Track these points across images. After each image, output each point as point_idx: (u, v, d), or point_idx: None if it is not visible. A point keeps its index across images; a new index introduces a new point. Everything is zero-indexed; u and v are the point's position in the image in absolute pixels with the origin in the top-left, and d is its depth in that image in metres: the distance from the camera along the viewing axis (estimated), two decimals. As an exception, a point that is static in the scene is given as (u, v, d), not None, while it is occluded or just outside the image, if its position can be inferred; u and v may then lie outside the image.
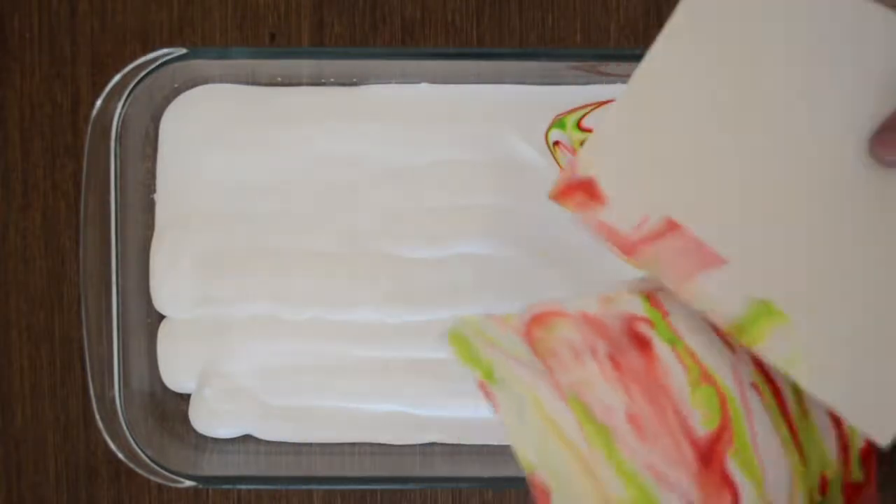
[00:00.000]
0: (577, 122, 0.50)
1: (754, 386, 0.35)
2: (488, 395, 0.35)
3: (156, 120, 0.51)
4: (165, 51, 0.47)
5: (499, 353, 0.35)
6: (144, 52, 0.47)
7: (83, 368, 0.49)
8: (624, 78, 0.47)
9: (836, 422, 0.35)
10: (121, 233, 0.48)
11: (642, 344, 0.35)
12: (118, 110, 0.48)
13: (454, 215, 0.51)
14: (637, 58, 0.39)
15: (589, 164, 0.39)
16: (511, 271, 0.50)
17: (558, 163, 0.50)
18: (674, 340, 0.35)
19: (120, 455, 0.48)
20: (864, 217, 0.36)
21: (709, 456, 0.34)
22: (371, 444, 0.51)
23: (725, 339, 0.36)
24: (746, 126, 0.38)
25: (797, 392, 0.35)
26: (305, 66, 0.50)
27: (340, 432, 0.51)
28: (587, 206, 0.38)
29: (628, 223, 0.38)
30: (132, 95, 0.47)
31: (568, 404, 0.34)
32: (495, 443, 0.51)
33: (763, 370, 0.35)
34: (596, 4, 0.53)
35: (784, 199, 0.37)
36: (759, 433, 0.34)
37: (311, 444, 0.51)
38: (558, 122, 0.50)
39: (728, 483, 0.34)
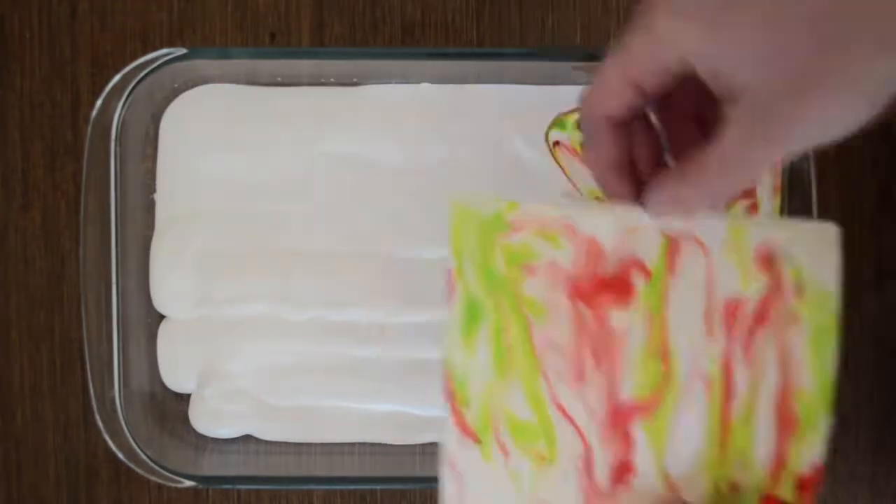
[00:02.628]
0: (578, 122, 0.50)
1: (708, 381, 0.35)
2: (452, 287, 0.35)
3: (156, 120, 0.51)
4: (165, 51, 0.47)
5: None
6: (144, 52, 0.47)
7: (83, 368, 0.49)
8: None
9: (782, 443, 0.35)
10: (121, 233, 0.48)
11: (622, 292, 0.35)
12: (118, 110, 0.48)
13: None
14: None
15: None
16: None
17: (558, 163, 0.50)
18: (656, 308, 0.35)
19: (120, 455, 0.48)
20: None
21: (621, 418, 0.35)
22: (371, 444, 0.51)
23: (712, 324, 0.35)
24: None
25: (752, 404, 0.35)
26: (305, 66, 0.50)
27: (340, 432, 0.51)
28: None
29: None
30: (132, 95, 0.47)
31: (513, 322, 0.35)
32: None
33: (728, 366, 0.35)
34: (596, 4, 0.53)
35: None
36: (684, 420, 0.35)
37: (311, 444, 0.51)
38: (558, 123, 0.50)
39: (627, 440, 0.35)
